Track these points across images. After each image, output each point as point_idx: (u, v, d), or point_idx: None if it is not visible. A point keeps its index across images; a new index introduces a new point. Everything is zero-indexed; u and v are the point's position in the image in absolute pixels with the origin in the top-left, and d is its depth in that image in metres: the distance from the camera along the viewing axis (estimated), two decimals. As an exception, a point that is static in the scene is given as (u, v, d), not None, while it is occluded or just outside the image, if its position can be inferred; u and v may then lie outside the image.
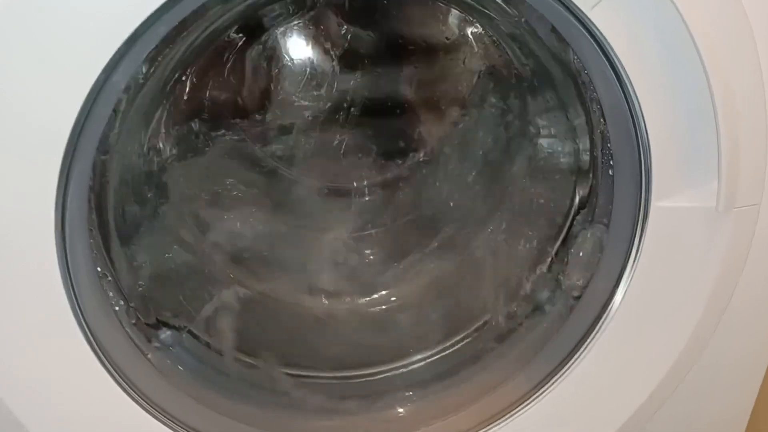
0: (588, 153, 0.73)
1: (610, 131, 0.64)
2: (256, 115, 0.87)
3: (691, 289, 0.65)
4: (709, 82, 0.56)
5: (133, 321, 0.66)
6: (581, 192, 0.75)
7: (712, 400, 0.75)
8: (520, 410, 0.68)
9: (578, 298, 0.70)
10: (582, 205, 0.75)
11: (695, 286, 0.64)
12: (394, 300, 0.85)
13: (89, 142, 0.54)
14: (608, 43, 0.57)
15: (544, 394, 0.68)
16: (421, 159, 0.92)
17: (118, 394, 0.60)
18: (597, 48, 0.58)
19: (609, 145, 0.66)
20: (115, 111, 0.55)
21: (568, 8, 0.56)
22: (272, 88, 0.87)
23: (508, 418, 0.68)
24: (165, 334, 0.70)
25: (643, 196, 0.62)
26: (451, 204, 0.93)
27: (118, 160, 0.67)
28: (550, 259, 0.77)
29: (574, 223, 0.75)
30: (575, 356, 0.67)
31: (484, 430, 0.69)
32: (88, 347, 0.58)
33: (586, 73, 0.65)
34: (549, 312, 0.75)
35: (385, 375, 0.78)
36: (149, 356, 0.65)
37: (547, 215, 0.80)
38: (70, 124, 0.51)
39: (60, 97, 0.50)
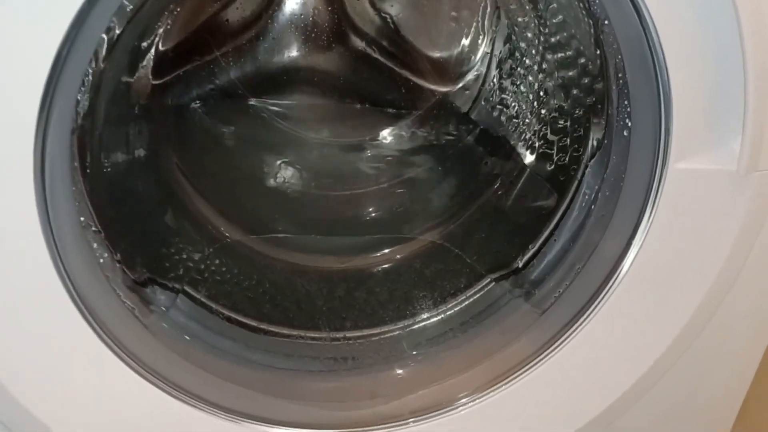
0: (603, 110, 0.69)
1: (630, 86, 0.61)
2: (250, 57, 0.83)
3: (705, 255, 0.62)
4: (741, 33, 0.52)
5: (120, 279, 0.63)
6: (593, 149, 0.72)
7: (715, 368, 0.74)
8: (521, 374, 0.66)
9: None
10: (593, 155, 0.72)
11: (709, 252, 0.62)
12: (398, 258, 0.82)
13: (72, 78, 0.50)
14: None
15: (547, 358, 0.66)
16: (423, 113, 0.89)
17: (103, 352, 0.57)
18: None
19: (626, 102, 0.63)
20: (99, 47, 0.51)
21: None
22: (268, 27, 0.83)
23: (510, 382, 0.66)
24: (157, 294, 0.66)
25: (661, 156, 0.59)
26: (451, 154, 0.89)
27: (103, 100, 0.63)
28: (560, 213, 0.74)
29: (584, 177, 0.72)
30: (581, 319, 0.65)
31: (483, 393, 0.67)
32: (70, 301, 0.55)
33: (606, 23, 0.61)
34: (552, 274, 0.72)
35: (388, 335, 0.76)
36: (136, 312, 0.63)
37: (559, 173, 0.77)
38: (50, 59, 0.46)
39: (39, 29, 0.46)
